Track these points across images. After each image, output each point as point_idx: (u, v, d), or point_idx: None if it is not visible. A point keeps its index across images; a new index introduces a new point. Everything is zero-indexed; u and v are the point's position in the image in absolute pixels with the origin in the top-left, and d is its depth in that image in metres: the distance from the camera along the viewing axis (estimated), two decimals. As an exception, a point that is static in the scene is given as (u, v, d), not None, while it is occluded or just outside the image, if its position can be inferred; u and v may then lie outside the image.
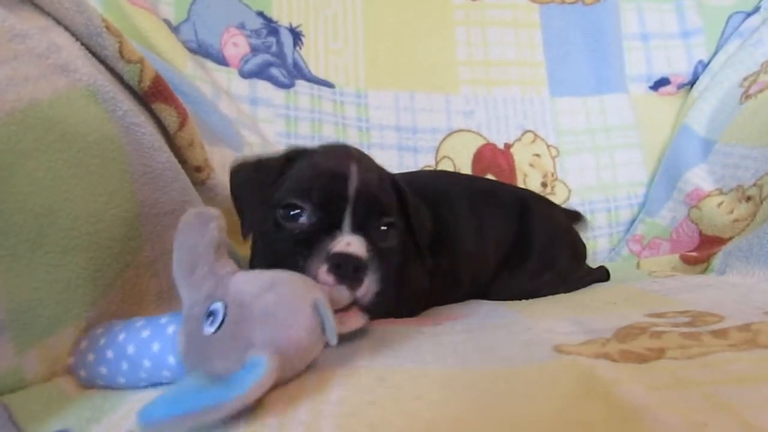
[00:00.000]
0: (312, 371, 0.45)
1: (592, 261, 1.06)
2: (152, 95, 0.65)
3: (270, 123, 1.01)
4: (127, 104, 0.59)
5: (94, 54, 0.60)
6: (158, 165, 0.64)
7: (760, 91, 0.93)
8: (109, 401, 0.44)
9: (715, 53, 1.10)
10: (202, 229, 0.44)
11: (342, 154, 0.61)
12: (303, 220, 0.55)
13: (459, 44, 1.10)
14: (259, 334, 0.40)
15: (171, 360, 0.44)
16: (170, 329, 0.46)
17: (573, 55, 1.12)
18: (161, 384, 0.46)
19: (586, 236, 1.06)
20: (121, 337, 0.46)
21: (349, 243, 0.53)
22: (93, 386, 0.46)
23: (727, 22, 1.11)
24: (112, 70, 0.62)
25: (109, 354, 0.45)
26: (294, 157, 0.61)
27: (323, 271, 0.51)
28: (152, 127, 0.63)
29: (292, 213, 0.55)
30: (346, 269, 0.51)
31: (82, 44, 0.58)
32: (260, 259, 0.61)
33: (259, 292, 0.42)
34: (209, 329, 0.40)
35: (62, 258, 0.48)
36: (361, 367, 0.46)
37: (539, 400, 0.38)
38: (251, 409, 0.38)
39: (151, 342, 0.45)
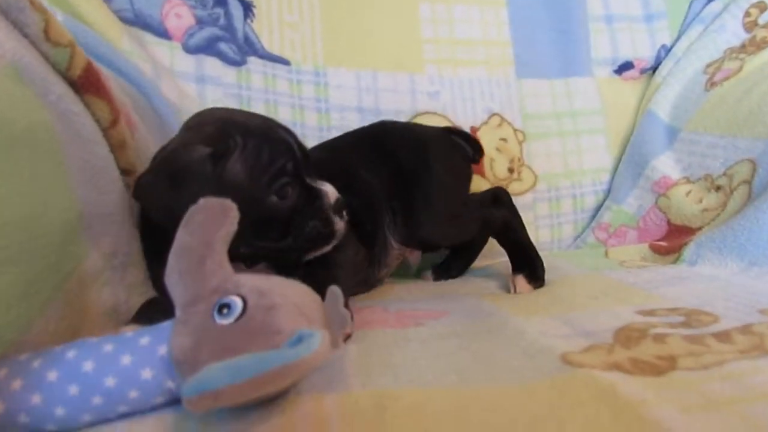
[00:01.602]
0: (306, 395, 0.40)
1: (557, 248, 1.05)
2: (83, 86, 0.55)
3: (220, 104, 0.91)
4: (60, 88, 0.50)
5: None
6: (98, 160, 0.55)
7: (726, 78, 0.93)
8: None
9: (678, 38, 1.10)
10: (222, 219, 0.42)
11: (258, 119, 0.65)
12: (291, 191, 0.61)
13: (423, 21, 1.04)
14: (290, 323, 0.39)
15: (146, 375, 0.38)
16: (143, 340, 0.40)
17: (539, 35, 1.08)
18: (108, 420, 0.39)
19: (551, 222, 1.04)
20: (71, 354, 0.38)
21: (331, 190, 0.64)
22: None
23: (689, 7, 1.11)
24: (41, 52, 0.52)
25: (51, 376, 0.37)
26: (221, 149, 0.57)
27: (337, 220, 0.63)
28: (89, 117, 0.54)
29: (282, 191, 0.60)
30: (343, 208, 0.64)
31: (4, 18, 0.48)
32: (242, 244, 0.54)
33: (278, 285, 0.42)
34: (225, 321, 0.38)
35: (-13, 276, 0.39)
36: (357, 388, 0.41)
37: (566, 425, 0.35)
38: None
39: (117, 355, 0.39)
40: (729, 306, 0.58)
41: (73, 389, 0.37)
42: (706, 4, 1.10)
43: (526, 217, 1.01)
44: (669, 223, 0.91)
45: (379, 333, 0.57)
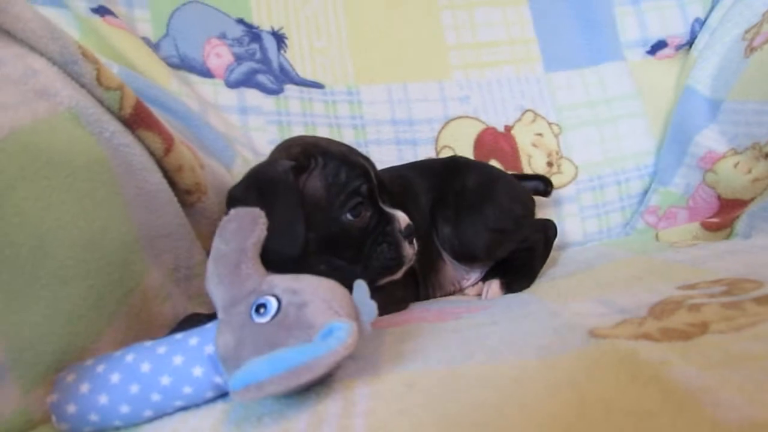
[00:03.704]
0: (336, 382, 0.43)
1: (606, 237, 1.03)
2: (134, 122, 0.62)
3: (262, 131, 0.98)
4: (113, 125, 0.56)
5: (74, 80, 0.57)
6: (151, 186, 0.61)
7: (766, 41, 0.89)
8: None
9: (712, 9, 1.07)
10: (253, 226, 0.46)
11: (340, 146, 0.72)
12: (365, 212, 0.66)
13: (446, 29, 1.07)
14: (320, 317, 0.42)
15: (196, 372, 0.43)
16: (192, 341, 0.44)
17: (564, 27, 1.08)
18: (167, 414, 0.43)
19: (597, 212, 1.03)
20: (130, 357, 0.43)
21: (402, 217, 0.69)
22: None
23: (720, -23, 1.07)
24: (94, 96, 0.59)
25: (114, 378, 0.42)
26: (304, 164, 0.66)
27: (406, 245, 0.68)
28: (141, 149, 0.60)
29: (356, 210, 0.66)
30: (413, 234, 0.69)
31: (60, 70, 0.55)
32: (323, 260, 0.65)
33: (307, 283, 0.45)
34: (262, 319, 0.42)
35: (61, 289, 0.45)
36: (387, 373, 0.44)
37: (583, 390, 0.36)
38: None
39: (170, 356, 0.43)
40: (774, 272, 0.56)
41: (134, 388, 0.42)
42: (740, -30, 1.06)
43: (570, 210, 1.02)
44: (719, 198, 0.88)
45: (415, 326, 0.59)
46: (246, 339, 0.41)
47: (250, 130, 0.99)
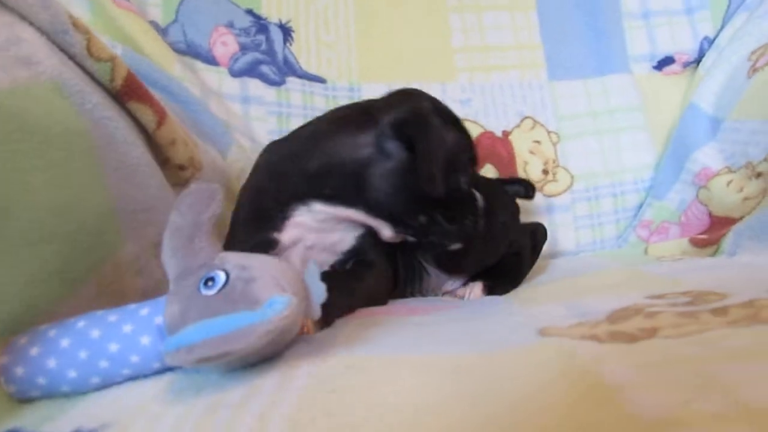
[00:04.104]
0: (280, 361, 0.43)
1: (599, 248, 1.02)
2: (125, 94, 0.63)
3: (262, 121, 1.00)
4: (96, 97, 0.58)
5: (63, 50, 0.59)
6: (133, 160, 0.62)
7: (768, 63, 0.88)
8: (70, 400, 0.43)
9: (722, 28, 1.05)
10: (210, 201, 0.47)
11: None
12: (464, 181, 0.68)
13: (454, 31, 1.07)
14: (266, 292, 0.42)
15: (144, 341, 0.43)
16: (143, 311, 0.45)
17: (571, 36, 1.08)
18: (115, 382, 0.44)
19: (591, 223, 1.02)
20: (81, 324, 0.44)
21: (480, 198, 0.71)
22: (26, 396, 0.43)
23: (732, -4, 1.06)
24: (83, 67, 0.61)
25: (64, 343, 0.43)
26: (443, 115, 0.67)
27: (481, 222, 0.70)
28: (125, 122, 0.62)
29: (465, 176, 0.68)
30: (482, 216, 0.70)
31: (49, 40, 0.57)
32: (426, 212, 0.65)
33: (258, 261, 0.46)
34: (209, 291, 0.42)
35: (23, 252, 0.46)
36: (332, 356, 0.44)
37: (513, 383, 0.36)
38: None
39: (120, 324, 0.44)
40: (744, 286, 0.55)
41: (83, 354, 0.42)
42: (752, -10, 1.05)
43: (564, 219, 1.01)
44: (711, 215, 0.86)
45: (380, 318, 0.60)
46: (191, 309, 0.42)
47: (251, 119, 1.00)
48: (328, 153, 0.64)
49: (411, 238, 0.68)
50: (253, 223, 0.68)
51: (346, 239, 0.69)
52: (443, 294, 0.87)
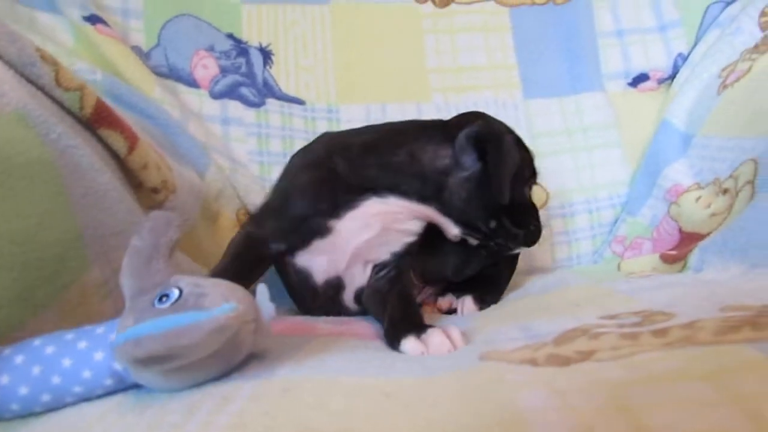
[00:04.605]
0: (223, 382, 0.45)
1: (575, 264, 1.03)
2: (95, 121, 0.66)
3: (242, 142, 1.02)
4: (62, 127, 0.60)
5: (31, 82, 0.61)
6: (101, 186, 0.64)
7: (737, 80, 0.89)
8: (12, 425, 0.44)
9: (695, 45, 1.07)
10: (167, 228, 0.50)
11: None
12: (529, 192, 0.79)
13: (428, 52, 1.09)
14: (215, 304, 0.44)
15: (97, 356, 0.45)
16: (99, 330, 0.47)
17: (546, 55, 1.09)
18: (65, 402, 0.45)
19: (568, 239, 1.03)
20: (37, 342, 0.45)
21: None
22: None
23: (705, 13, 1.07)
24: (53, 98, 0.63)
25: (18, 360, 0.44)
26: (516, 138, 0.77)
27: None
28: (91, 149, 0.63)
29: (529, 187, 0.78)
30: None
31: (17, 72, 0.59)
32: (496, 218, 0.72)
33: (212, 281, 0.48)
34: (163, 306, 0.44)
35: (-18, 278, 0.48)
36: (275, 377, 0.45)
37: (437, 409, 0.37)
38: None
39: (76, 342, 0.46)
40: (697, 305, 0.56)
41: (36, 369, 0.43)
42: (725, 7, 1.06)
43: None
44: (681, 231, 0.87)
45: (342, 339, 0.61)
46: (144, 319, 0.43)
47: (231, 140, 1.02)
48: (411, 153, 0.69)
49: (474, 241, 0.75)
50: (307, 209, 0.70)
51: (398, 241, 0.73)
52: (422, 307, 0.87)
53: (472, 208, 0.70)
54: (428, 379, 0.43)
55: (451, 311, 0.82)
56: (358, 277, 0.73)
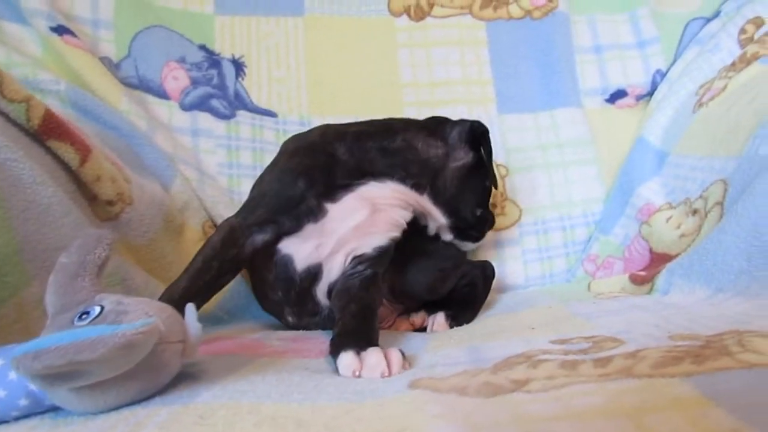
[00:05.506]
0: (142, 406, 0.43)
1: (549, 283, 1.00)
2: (44, 133, 0.64)
3: (211, 154, 1.01)
4: (2, 140, 0.58)
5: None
6: (44, 200, 0.63)
7: (712, 98, 0.87)
8: None
9: (674, 62, 1.05)
10: (96, 245, 0.49)
11: None
12: None
13: (402, 66, 1.08)
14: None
15: (12, 375, 0.42)
16: (17, 349, 0.44)
17: (522, 71, 1.08)
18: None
19: (540, 256, 1.01)
20: None
21: None
22: None
23: (684, 30, 1.06)
24: (-1, 111, 0.62)
25: None
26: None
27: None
28: (35, 162, 0.62)
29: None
30: None
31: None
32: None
33: (135, 300, 0.46)
34: (82, 323, 0.43)
35: None
36: (195, 403, 0.43)
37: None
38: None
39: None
40: (648, 332, 0.53)
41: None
42: (704, 24, 1.04)
43: (512, 252, 1.00)
44: (651, 251, 0.85)
45: (282, 359, 0.59)
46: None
47: (200, 151, 1.01)
48: (406, 140, 0.75)
49: (449, 236, 0.83)
50: (304, 189, 0.69)
51: (384, 234, 0.73)
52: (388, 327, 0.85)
53: (465, 194, 0.79)
54: (349, 407, 0.41)
55: (423, 328, 0.80)
56: (336, 268, 0.71)
